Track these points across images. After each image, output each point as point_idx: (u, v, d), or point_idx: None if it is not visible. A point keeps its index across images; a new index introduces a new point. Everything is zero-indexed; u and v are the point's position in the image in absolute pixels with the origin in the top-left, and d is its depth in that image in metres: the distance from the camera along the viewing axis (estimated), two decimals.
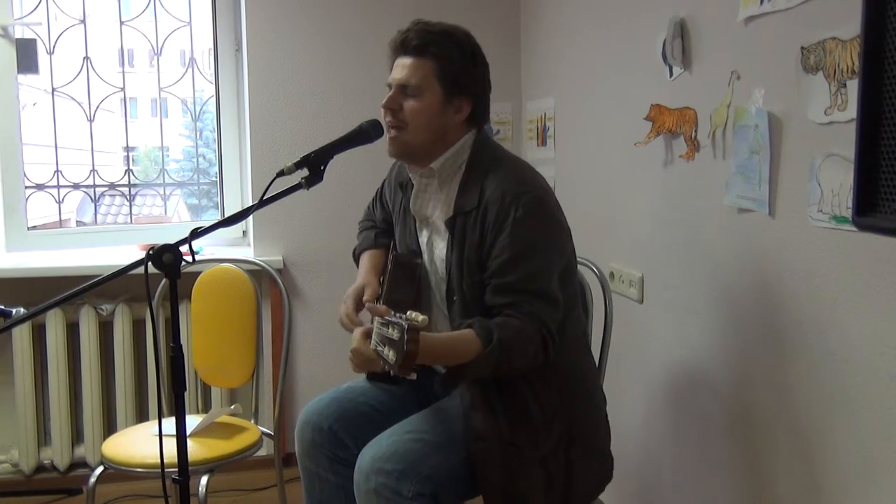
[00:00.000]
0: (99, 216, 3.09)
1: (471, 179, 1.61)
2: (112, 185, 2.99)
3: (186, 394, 1.45)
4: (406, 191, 1.76)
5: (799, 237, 1.53)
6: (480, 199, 1.57)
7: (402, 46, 1.63)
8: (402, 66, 1.62)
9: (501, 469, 1.53)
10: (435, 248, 1.69)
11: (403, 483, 1.46)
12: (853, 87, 1.36)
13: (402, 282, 1.68)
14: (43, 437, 2.80)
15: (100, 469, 2.07)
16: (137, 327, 2.80)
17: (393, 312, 1.31)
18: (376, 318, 1.37)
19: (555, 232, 1.60)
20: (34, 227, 2.86)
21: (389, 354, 1.27)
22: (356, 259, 1.90)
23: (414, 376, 1.30)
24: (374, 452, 1.52)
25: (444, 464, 1.52)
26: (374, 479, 1.48)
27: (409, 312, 1.25)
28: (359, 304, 1.72)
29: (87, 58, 2.86)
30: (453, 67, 1.60)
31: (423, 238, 1.72)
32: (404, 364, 1.24)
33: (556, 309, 1.54)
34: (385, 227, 1.91)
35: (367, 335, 1.43)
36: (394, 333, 1.27)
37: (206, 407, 2.84)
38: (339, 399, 1.78)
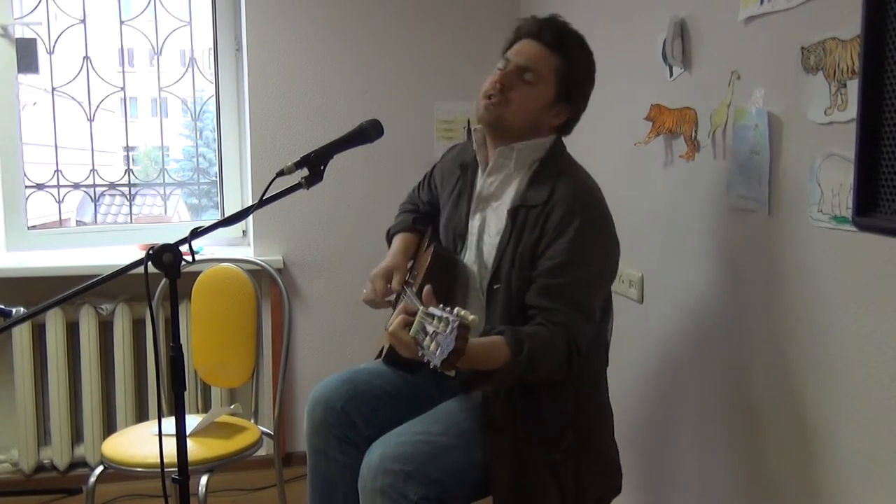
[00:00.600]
0: (99, 216, 3.09)
1: (543, 176, 1.62)
2: (112, 185, 2.99)
3: (186, 393, 1.45)
4: (465, 172, 1.76)
5: (799, 237, 1.53)
6: (549, 198, 1.57)
7: (537, 33, 1.63)
8: (529, 51, 1.63)
9: (512, 465, 1.53)
10: (486, 232, 1.68)
11: (410, 485, 1.46)
12: (853, 87, 1.36)
13: (439, 275, 1.66)
14: (43, 436, 2.80)
15: (99, 469, 2.07)
16: (137, 327, 2.80)
17: (441, 305, 1.30)
18: (420, 307, 1.36)
19: (611, 250, 1.62)
20: (34, 227, 2.86)
21: (431, 347, 1.26)
22: (389, 239, 1.90)
23: (453, 373, 1.29)
24: (382, 450, 1.52)
25: (452, 467, 1.52)
26: (380, 478, 1.48)
27: (457, 309, 1.24)
28: (386, 285, 1.72)
29: (87, 57, 2.86)
30: (574, 73, 1.62)
31: (475, 222, 1.71)
32: (449, 360, 1.22)
33: (590, 323, 1.55)
34: (427, 211, 1.91)
35: (406, 322, 1.40)
36: (439, 327, 1.25)
37: (206, 407, 2.84)
38: (353, 380, 1.77)
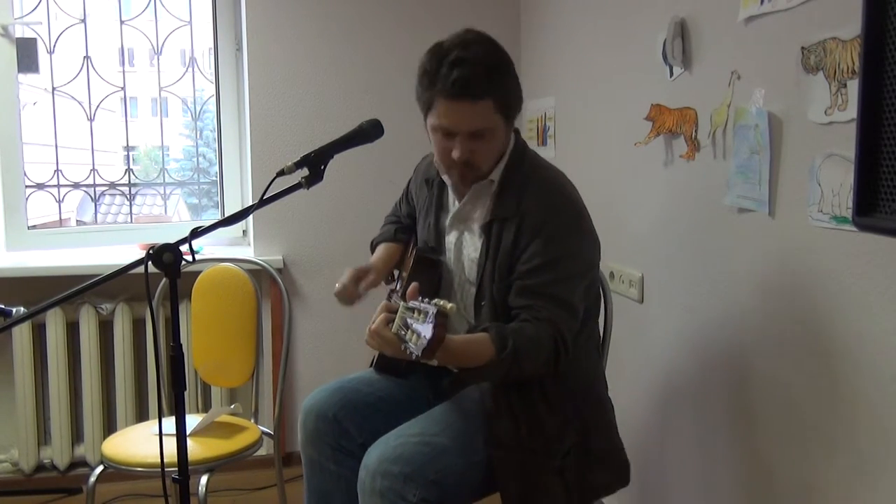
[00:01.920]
0: (99, 215, 3.09)
1: (510, 186, 1.61)
2: (112, 185, 2.99)
3: (186, 393, 1.45)
4: (432, 187, 1.76)
5: (799, 237, 1.53)
6: (518, 207, 1.57)
7: (459, 92, 1.49)
8: (465, 114, 1.51)
9: (520, 477, 1.53)
10: (464, 248, 1.69)
11: (409, 487, 1.46)
12: (853, 87, 1.36)
13: (422, 277, 1.67)
14: (43, 436, 2.80)
15: (100, 468, 2.07)
16: (137, 327, 2.80)
17: (420, 298, 1.30)
18: (401, 303, 1.36)
19: (587, 246, 1.61)
20: (34, 227, 2.86)
21: (413, 338, 1.26)
22: (373, 249, 1.92)
23: (435, 362, 1.30)
24: (380, 452, 1.52)
25: (450, 468, 1.52)
26: (379, 480, 1.48)
27: (436, 300, 1.25)
28: (356, 282, 1.72)
29: (87, 57, 2.86)
30: (508, 97, 1.55)
31: (451, 237, 1.72)
32: (429, 348, 1.22)
33: (574, 318, 1.55)
34: (408, 223, 1.92)
35: (388, 319, 1.40)
36: (419, 318, 1.26)
37: (206, 406, 2.84)
38: (344, 389, 1.78)
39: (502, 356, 1.43)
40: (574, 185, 1.67)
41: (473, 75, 1.48)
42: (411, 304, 1.31)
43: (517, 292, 1.55)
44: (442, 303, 1.23)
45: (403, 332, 1.31)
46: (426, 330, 1.22)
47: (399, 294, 1.69)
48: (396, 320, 1.36)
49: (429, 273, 1.70)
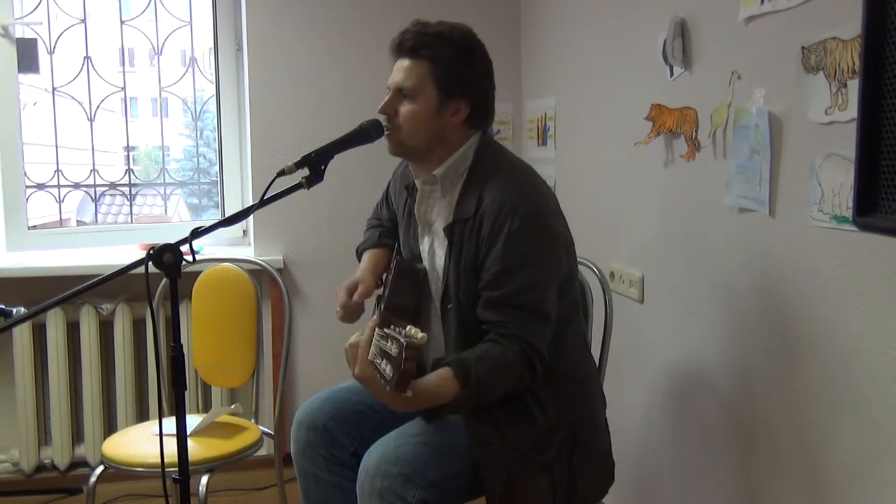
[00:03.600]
0: (99, 216, 3.09)
1: (471, 186, 1.59)
2: (112, 185, 2.99)
3: (187, 393, 1.45)
4: (411, 193, 1.74)
5: (799, 237, 1.53)
6: (478, 208, 1.55)
7: (399, 48, 1.62)
8: (399, 69, 1.61)
9: (505, 474, 1.52)
10: (436, 255, 1.68)
11: (409, 488, 1.46)
12: (854, 87, 1.36)
13: (403, 287, 1.67)
14: (43, 436, 2.80)
15: (100, 468, 2.07)
16: (138, 327, 2.80)
17: (393, 327, 1.29)
18: (377, 329, 1.36)
19: (550, 245, 1.56)
20: (34, 227, 2.86)
21: (387, 370, 1.27)
22: (359, 256, 1.90)
23: (410, 394, 1.30)
24: (381, 453, 1.52)
25: (448, 469, 1.52)
26: (379, 481, 1.48)
27: (409, 328, 1.24)
28: (351, 296, 1.72)
29: (87, 57, 2.86)
30: (448, 68, 1.57)
31: (425, 247, 1.70)
32: (400, 382, 1.23)
33: (545, 324, 1.52)
34: (390, 227, 1.90)
35: (368, 342, 1.41)
36: (392, 348, 1.25)
37: (207, 406, 2.84)
38: (332, 399, 1.78)
39: (467, 390, 1.42)
40: (540, 179, 1.63)
41: (420, 35, 1.58)
42: (386, 330, 1.30)
43: (483, 305, 1.53)
44: (413, 332, 1.22)
45: (379, 361, 1.31)
46: (396, 363, 1.23)
47: (381, 307, 1.68)
48: (373, 347, 1.36)
49: (408, 282, 1.68)
